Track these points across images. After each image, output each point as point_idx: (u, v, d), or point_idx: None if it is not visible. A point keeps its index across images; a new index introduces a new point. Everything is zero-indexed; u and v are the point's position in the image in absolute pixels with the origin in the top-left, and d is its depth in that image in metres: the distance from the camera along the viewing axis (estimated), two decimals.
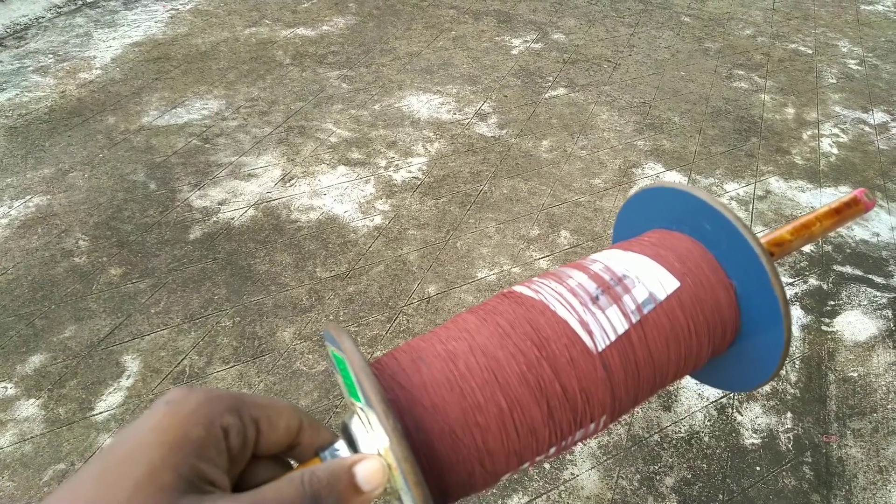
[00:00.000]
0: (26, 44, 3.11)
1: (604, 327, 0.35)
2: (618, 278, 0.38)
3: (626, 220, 0.48)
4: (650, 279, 0.38)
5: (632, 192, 0.45)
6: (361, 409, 0.32)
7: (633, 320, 0.36)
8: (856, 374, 1.74)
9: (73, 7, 3.48)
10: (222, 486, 0.28)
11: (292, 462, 0.34)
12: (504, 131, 2.65)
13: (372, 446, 0.31)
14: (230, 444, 0.29)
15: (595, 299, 0.36)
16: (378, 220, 2.16)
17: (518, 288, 0.38)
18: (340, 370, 0.35)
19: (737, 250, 0.38)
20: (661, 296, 0.37)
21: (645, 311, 0.37)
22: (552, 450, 0.35)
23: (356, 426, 0.32)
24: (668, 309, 0.37)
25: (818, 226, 0.43)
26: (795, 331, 1.86)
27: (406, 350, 0.35)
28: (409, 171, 2.39)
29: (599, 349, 0.35)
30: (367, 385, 0.29)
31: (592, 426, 0.36)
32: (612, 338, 0.35)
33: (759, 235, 0.39)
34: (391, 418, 0.28)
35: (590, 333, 0.35)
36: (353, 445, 0.32)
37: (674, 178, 2.43)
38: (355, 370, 0.30)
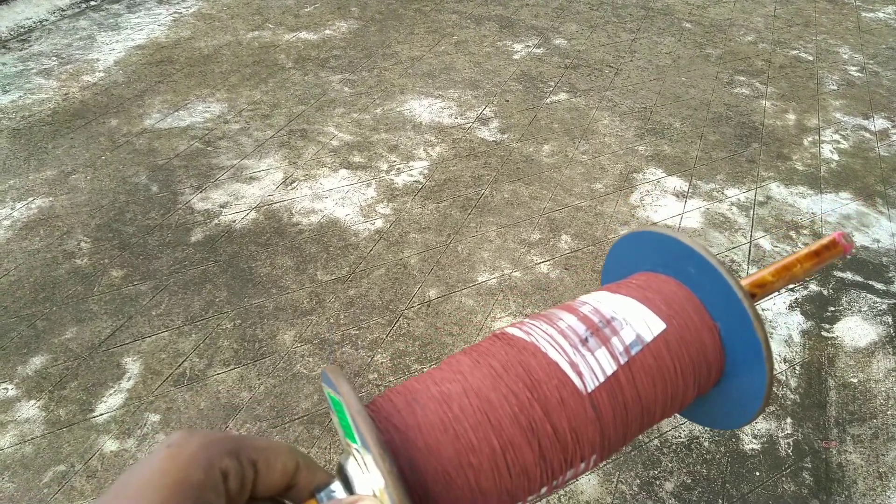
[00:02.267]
0: (30, 46, 3.12)
1: (593, 368, 0.36)
2: (606, 320, 0.39)
3: (614, 262, 0.50)
4: (637, 321, 0.39)
5: (622, 232, 0.46)
6: (357, 450, 0.32)
7: (622, 361, 0.37)
8: (856, 380, 1.74)
9: (77, 10, 3.50)
10: None
11: None
12: (505, 136, 2.65)
13: (367, 487, 0.32)
14: (229, 486, 0.30)
15: (584, 341, 0.37)
16: (379, 223, 2.16)
17: (510, 330, 0.39)
18: (336, 411, 0.35)
19: (720, 293, 0.39)
20: (648, 337, 0.38)
21: (633, 352, 0.38)
22: (543, 489, 0.36)
23: (352, 467, 0.33)
24: (655, 350, 0.38)
25: (799, 268, 0.44)
26: (796, 336, 1.86)
27: (401, 391, 0.36)
28: (411, 175, 2.39)
29: (589, 390, 0.36)
30: (363, 428, 0.30)
31: (583, 465, 0.36)
32: (602, 379, 0.36)
33: (742, 278, 0.41)
34: (387, 461, 0.29)
35: (579, 375, 0.36)
36: (348, 487, 0.33)
37: (675, 183, 2.43)
38: (352, 413, 0.31)
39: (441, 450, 0.33)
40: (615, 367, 0.37)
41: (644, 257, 0.46)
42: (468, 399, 0.34)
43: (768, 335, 0.38)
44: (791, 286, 2.02)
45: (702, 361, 0.40)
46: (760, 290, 0.43)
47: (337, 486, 0.33)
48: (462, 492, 0.33)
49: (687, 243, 0.41)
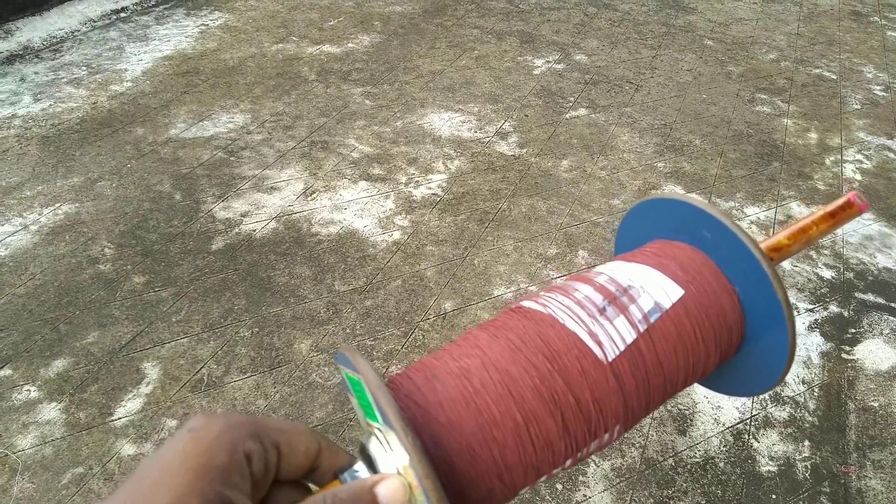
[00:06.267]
0: (61, 56, 3.20)
1: (612, 337, 0.36)
2: (623, 289, 0.38)
3: (627, 232, 0.48)
4: (655, 288, 0.38)
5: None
6: (379, 429, 0.32)
7: (641, 329, 0.36)
8: (876, 404, 1.72)
9: (108, 21, 3.59)
10: None
11: (312, 486, 0.34)
12: (524, 150, 2.66)
13: (391, 466, 0.31)
14: (253, 469, 0.29)
15: (602, 310, 0.37)
16: (397, 235, 2.18)
17: (526, 303, 0.39)
18: (355, 392, 0.35)
19: (737, 256, 0.39)
20: (667, 304, 0.38)
21: (651, 319, 0.37)
22: (568, 462, 0.35)
23: (374, 447, 0.33)
24: (674, 316, 0.37)
25: (815, 230, 0.43)
26: (815, 358, 1.83)
27: (419, 368, 0.35)
28: (429, 188, 2.41)
29: (609, 359, 0.35)
30: (384, 404, 0.29)
31: (606, 436, 0.36)
32: (622, 347, 0.36)
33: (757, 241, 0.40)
34: (410, 435, 0.29)
35: (599, 344, 0.35)
36: (372, 466, 0.32)
37: None
38: (372, 390, 0.30)
39: (464, 425, 0.32)
40: (635, 336, 0.36)
41: (657, 225, 0.45)
42: (488, 373, 0.34)
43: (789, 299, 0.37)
44: (811, 307, 2.00)
45: (722, 326, 0.39)
46: (777, 254, 0.42)
47: (360, 467, 0.33)
48: (487, 466, 0.32)
49: (701, 207, 0.40)
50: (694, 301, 0.38)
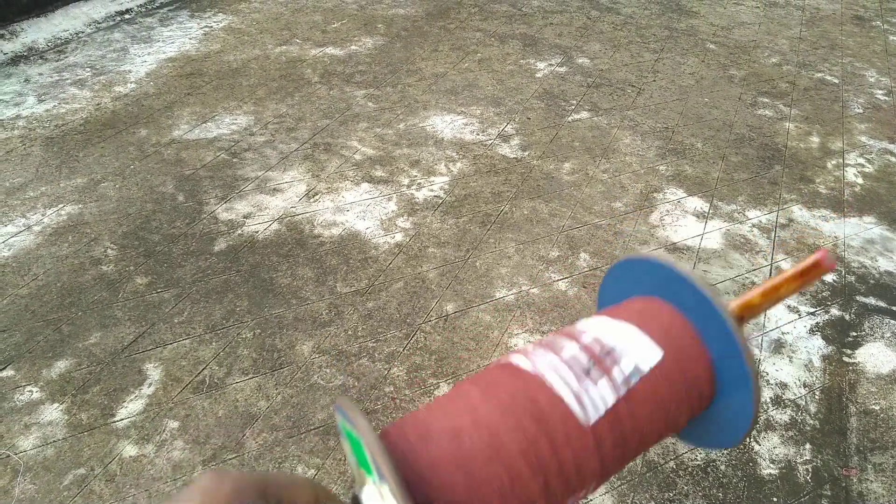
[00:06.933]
0: (66, 57, 3.21)
1: (594, 401, 0.38)
2: (607, 350, 0.41)
3: (611, 285, 0.52)
4: (636, 350, 0.41)
5: (617, 259, 0.48)
6: (373, 481, 0.34)
7: (621, 393, 0.39)
8: (878, 408, 1.71)
9: (112, 23, 3.60)
10: None
11: None
12: (526, 153, 2.67)
13: None
14: None
15: (587, 372, 0.39)
16: (399, 237, 2.18)
17: (515, 359, 0.41)
18: (350, 440, 0.37)
19: (712, 321, 0.42)
20: (646, 367, 0.40)
21: (632, 382, 0.40)
22: None
23: (367, 498, 0.35)
24: (653, 380, 0.40)
25: (785, 288, 0.47)
26: (816, 361, 1.83)
27: (413, 424, 0.38)
28: (431, 190, 2.41)
29: (591, 422, 0.38)
30: (382, 464, 0.32)
31: (582, 492, 0.39)
32: (602, 411, 0.38)
33: (731, 299, 0.43)
34: (406, 498, 0.31)
35: (583, 407, 0.38)
36: None
37: (695, 203, 2.43)
38: (371, 450, 0.33)
39: (455, 487, 0.34)
40: (616, 399, 0.38)
41: (640, 281, 0.48)
42: (478, 434, 0.36)
43: (757, 366, 0.40)
44: (812, 310, 1.99)
45: (694, 390, 0.42)
46: (748, 311, 0.46)
47: None
48: None
49: (678, 270, 0.43)
50: (671, 364, 0.41)
